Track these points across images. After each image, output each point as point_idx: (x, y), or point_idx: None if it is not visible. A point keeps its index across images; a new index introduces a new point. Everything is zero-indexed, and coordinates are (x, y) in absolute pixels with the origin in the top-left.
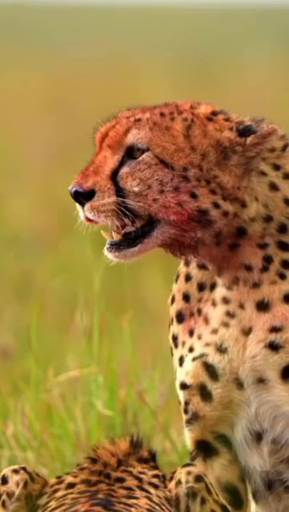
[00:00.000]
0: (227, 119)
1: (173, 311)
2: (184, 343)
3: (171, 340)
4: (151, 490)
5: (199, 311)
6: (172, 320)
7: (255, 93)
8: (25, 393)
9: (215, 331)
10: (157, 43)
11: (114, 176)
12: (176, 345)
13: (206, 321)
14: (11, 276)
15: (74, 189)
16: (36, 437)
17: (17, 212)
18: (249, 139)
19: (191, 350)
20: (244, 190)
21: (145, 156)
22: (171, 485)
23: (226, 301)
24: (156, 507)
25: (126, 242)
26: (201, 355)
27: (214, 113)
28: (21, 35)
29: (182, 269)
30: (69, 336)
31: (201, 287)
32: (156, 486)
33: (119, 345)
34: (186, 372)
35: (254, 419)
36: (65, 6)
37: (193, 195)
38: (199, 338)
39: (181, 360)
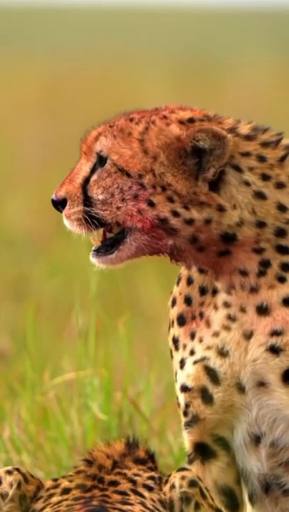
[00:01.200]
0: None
1: (174, 313)
2: (184, 346)
3: (171, 343)
4: (146, 493)
5: (201, 315)
6: (173, 322)
7: (254, 95)
8: (21, 396)
9: (216, 334)
10: (156, 44)
11: (86, 184)
12: (176, 348)
13: (208, 324)
14: (7, 278)
15: (51, 198)
16: (32, 440)
17: (12, 214)
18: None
19: (192, 353)
20: (209, 196)
21: (107, 164)
22: (166, 488)
23: (227, 305)
24: None
25: (104, 249)
26: (203, 359)
27: (192, 119)
28: (18, 35)
29: (184, 271)
30: (65, 339)
31: (202, 291)
32: (150, 488)
33: (115, 347)
34: (187, 375)
35: (254, 422)
36: (62, 8)
37: (151, 204)
38: (200, 341)
39: (182, 363)
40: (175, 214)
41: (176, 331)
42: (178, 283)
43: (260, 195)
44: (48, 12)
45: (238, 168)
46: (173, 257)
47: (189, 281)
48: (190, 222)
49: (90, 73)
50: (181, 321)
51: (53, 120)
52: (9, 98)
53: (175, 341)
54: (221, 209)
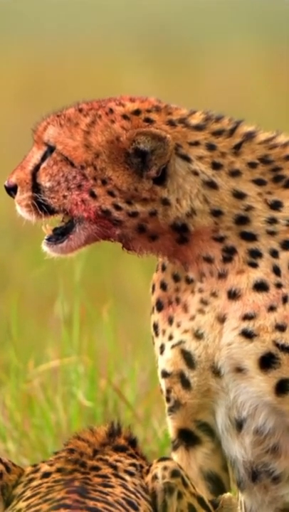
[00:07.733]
0: (147, 119)
1: (153, 299)
2: (164, 332)
3: (152, 329)
4: (127, 477)
5: (177, 300)
6: (153, 308)
7: (236, 81)
8: (6, 384)
9: (192, 318)
10: (137, 30)
11: (37, 171)
12: (156, 334)
13: (185, 309)
14: None
15: (4, 184)
16: (17, 428)
17: None
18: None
19: (170, 338)
20: (152, 191)
21: (54, 153)
22: (148, 478)
23: (200, 290)
24: (132, 495)
25: (54, 238)
26: (179, 343)
27: (137, 111)
28: None
29: (160, 258)
30: (49, 326)
31: (176, 278)
32: (131, 474)
33: (99, 335)
34: (166, 360)
35: (232, 406)
36: None
37: (93, 195)
38: (178, 325)
39: (162, 349)
40: (117, 207)
41: (156, 316)
42: (156, 269)
43: (210, 185)
44: None
45: (186, 158)
46: (123, 245)
47: (163, 268)
48: (133, 215)
49: (71, 60)
50: (159, 306)
51: (34, 109)
52: None
53: (155, 327)
54: (165, 202)
